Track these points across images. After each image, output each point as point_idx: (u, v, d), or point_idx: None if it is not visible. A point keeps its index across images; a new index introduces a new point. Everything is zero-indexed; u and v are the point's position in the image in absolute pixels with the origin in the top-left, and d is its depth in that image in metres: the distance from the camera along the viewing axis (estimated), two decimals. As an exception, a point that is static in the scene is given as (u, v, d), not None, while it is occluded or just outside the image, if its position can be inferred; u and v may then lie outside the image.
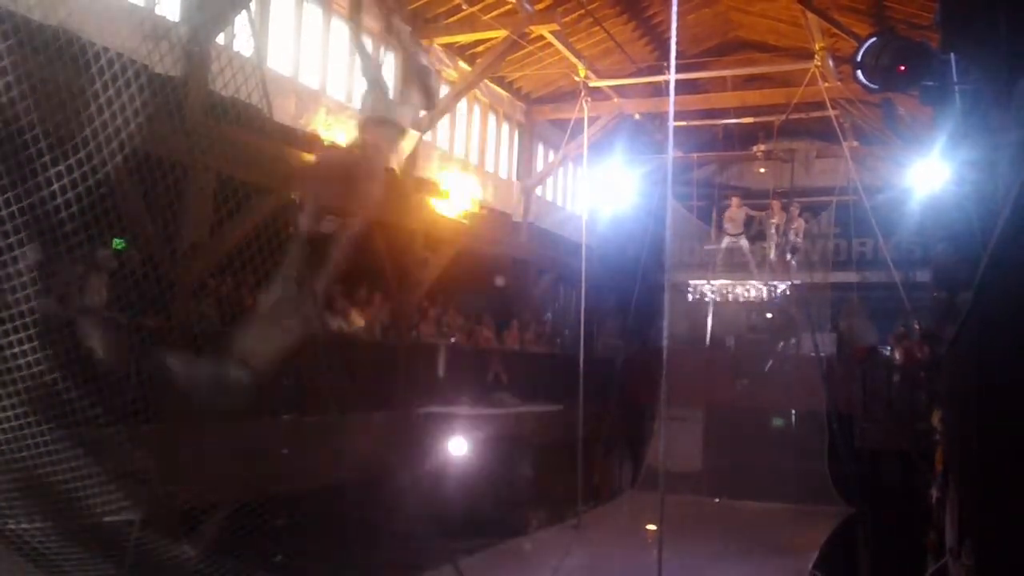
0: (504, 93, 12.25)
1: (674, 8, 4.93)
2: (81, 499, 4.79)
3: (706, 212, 14.00)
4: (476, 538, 8.15)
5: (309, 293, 6.08)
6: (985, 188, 3.68)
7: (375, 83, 3.80)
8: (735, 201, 13.39)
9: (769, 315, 14.39)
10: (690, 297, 14.31)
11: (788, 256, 13.19)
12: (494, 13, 9.78)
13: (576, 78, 10.73)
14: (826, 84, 10.04)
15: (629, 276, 11.92)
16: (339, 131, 8.65)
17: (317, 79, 8.67)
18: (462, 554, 7.30)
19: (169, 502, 5.61)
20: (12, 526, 4.71)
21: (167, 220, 5.80)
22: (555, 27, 9.71)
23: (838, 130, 10.69)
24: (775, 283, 13.72)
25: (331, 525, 5.93)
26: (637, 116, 12.76)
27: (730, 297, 14.26)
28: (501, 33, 9.68)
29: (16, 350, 4.45)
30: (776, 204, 13.20)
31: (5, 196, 4.22)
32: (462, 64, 10.83)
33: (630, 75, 11.95)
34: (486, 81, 11.27)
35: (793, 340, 13.58)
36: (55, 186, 4.24)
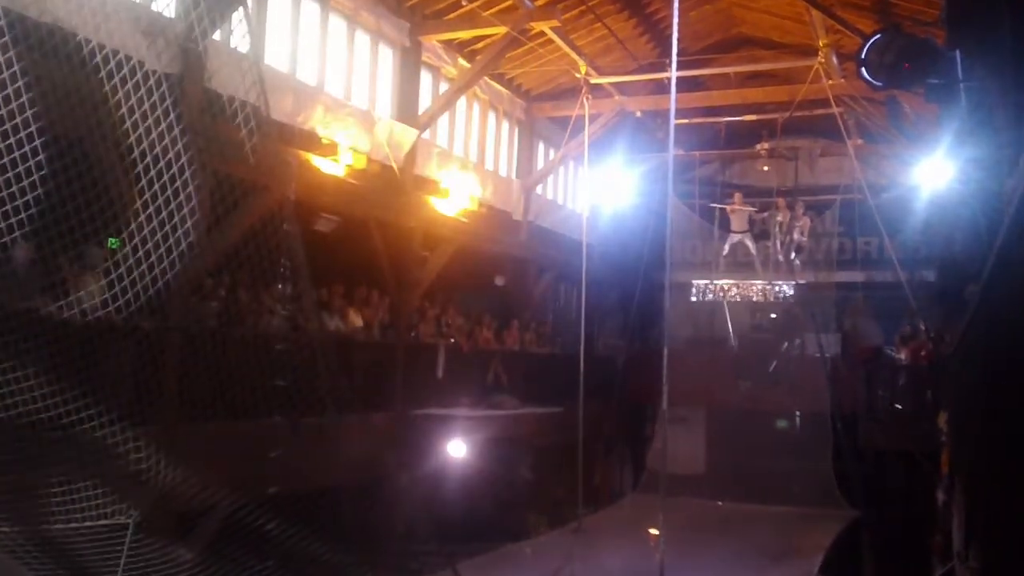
0: (504, 90, 12.18)
1: (675, 4, 4.86)
2: (77, 501, 4.75)
3: (708, 211, 13.92)
4: (475, 542, 8.09)
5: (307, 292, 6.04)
6: (991, 186, 3.61)
7: None
8: (737, 198, 13.30)
9: (773, 315, 14.31)
10: (693, 296, 14.24)
11: (792, 255, 13.10)
12: (494, 9, 9.71)
13: (577, 75, 10.65)
14: (830, 81, 9.95)
15: (630, 275, 11.86)
16: (337, 128, 8.58)
17: (315, 76, 8.62)
18: (461, 558, 7.24)
19: (165, 504, 5.57)
20: (7, 529, 4.67)
21: (163, 219, 5.74)
22: (556, 23, 9.64)
23: (842, 128, 10.59)
24: (779, 282, 13.63)
25: (328, 528, 5.88)
26: (638, 113, 12.68)
27: (733, 296, 14.17)
28: (501, 29, 9.61)
29: (11, 350, 4.42)
30: (780, 203, 13.12)
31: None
32: (461, 61, 10.76)
33: (631, 72, 11.87)
34: (486, 78, 11.20)
35: (797, 340, 13.49)
36: (51, 185, 4.21)
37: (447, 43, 10.52)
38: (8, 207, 4.11)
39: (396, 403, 8.97)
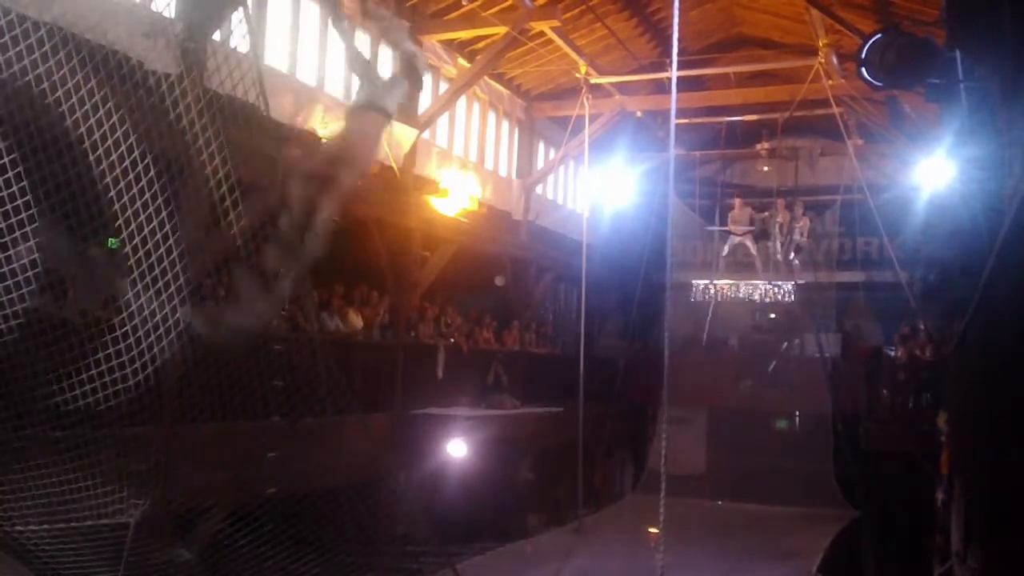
0: (504, 90, 12.18)
1: (676, 4, 4.85)
2: (76, 501, 4.75)
3: (709, 210, 13.91)
4: (475, 542, 8.09)
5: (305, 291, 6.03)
6: (991, 186, 3.60)
7: (364, 75, 3.62)
8: (737, 202, 13.29)
9: (773, 315, 14.30)
10: (693, 297, 14.23)
11: (792, 255, 13.09)
12: (494, 9, 9.71)
13: (577, 75, 10.66)
14: (830, 81, 9.95)
15: (631, 275, 11.84)
16: (336, 128, 8.58)
17: (314, 76, 8.61)
18: (461, 558, 7.24)
19: (164, 505, 5.57)
20: (7, 528, 4.67)
21: (163, 219, 5.74)
22: (556, 23, 9.64)
23: (842, 128, 10.59)
24: (779, 283, 13.62)
25: (328, 528, 5.88)
26: (639, 113, 12.67)
27: (733, 297, 14.16)
28: (501, 29, 9.61)
29: (11, 349, 4.42)
30: (780, 203, 13.11)
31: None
32: (461, 61, 10.76)
33: (632, 72, 11.86)
34: (486, 78, 11.20)
35: (797, 340, 13.50)
36: (50, 184, 4.21)
37: (447, 43, 10.52)
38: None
39: (396, 403, 8.97)
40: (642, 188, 12.88)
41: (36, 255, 4.31)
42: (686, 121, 12.21)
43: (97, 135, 3.97)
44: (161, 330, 4.12)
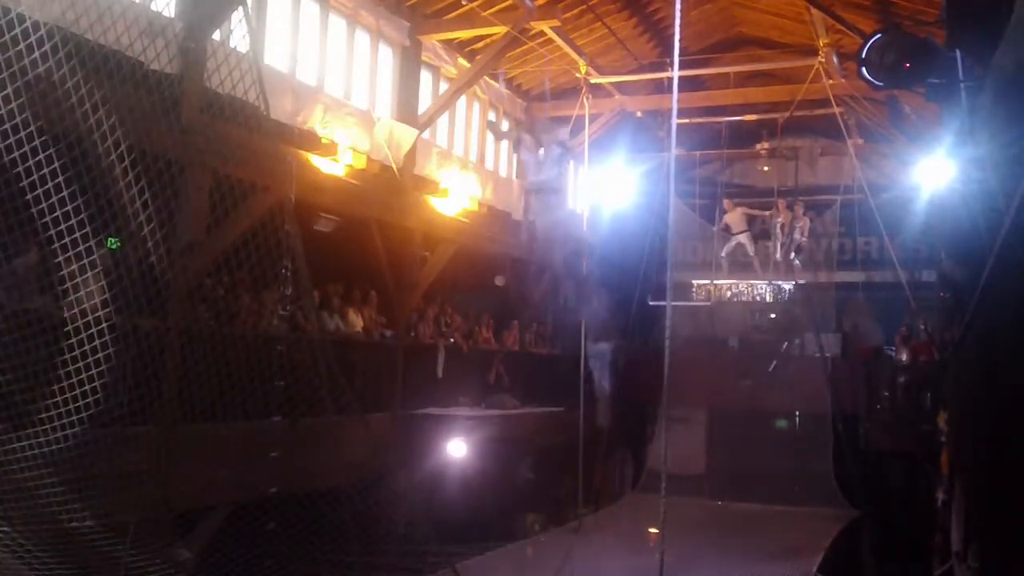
0: (504, 90, 12.18)
1: (676, 4, 4.85)
2: (76, 502, 4.75)
3: (709, 210, 13.91)
4: (475, 541, 8.08)
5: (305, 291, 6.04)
6: (991, 186, 3.60)
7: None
8: (727, 203, 13.25)
9: (773, 315, 14.30)
10: (693, 296, 14.23)
11: (792, 255, 13.09)
12: (494, 9, 9.71)
13: (577, 75, 10.65)
14: (830, 81, 9.95)
15: (631, 275, 11.84)
16: (336, 128, 8.58)
17: (314, 76, 8.61)
18: (461, 557, 7.24)
19: (165, 504, 5.57)
20: (7, 529, 4.67)
21: (163, 219, 5.74)
22: (556, 23, 9.63)
23: (843, 128, 10.60)
24: (779, 283, 13.62)
25: (329, 528, 5.88)
26: (639, 113, 12.67)
27: (733, 297, 14.16)
28: (501, 29, 9.60)
29: (10, 351, 4.42)
30: (780, 203, 13.10)
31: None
32: (461, 61, 10.76)
33: (632, 72, 11.86)
34: (486, 78, 11.19)
35: (797, 340, 13.49)
36: (50, 184, 4.21)
37: (447, 43, 10.51)
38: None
39: (396, 403, 8.97)
40: (642, 188, 12.87)
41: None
42: (686, 121, 12.21)
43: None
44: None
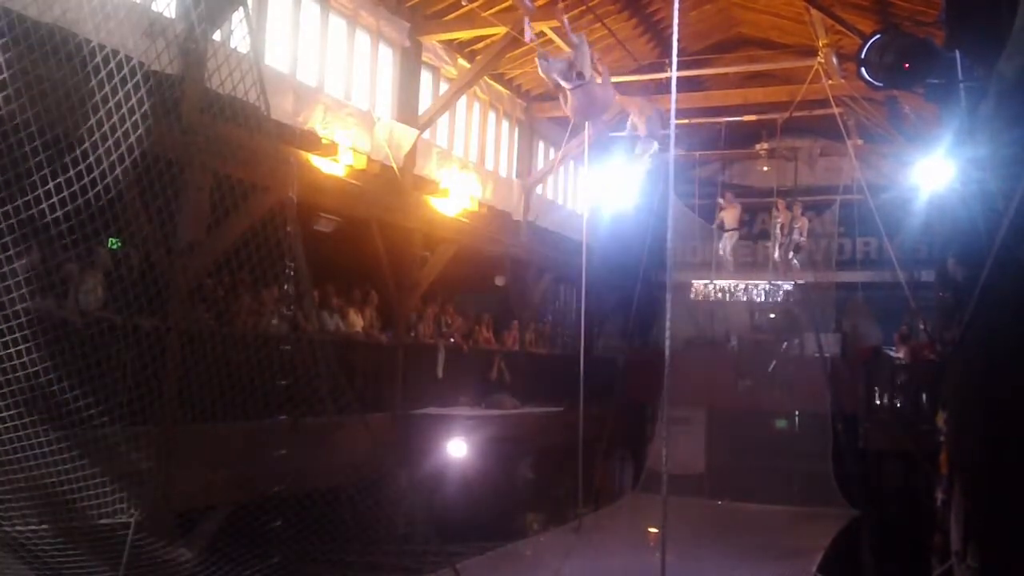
0: (504, 90, 12.19)
1: (676, 4, 4.85)
2: (78, 501, 4.76)
3: (708, 210, 13.91)
4: (475, 541, 8.09)
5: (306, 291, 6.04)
6: (991, 186, 3.61)
7: None
8: (727, 197, 13.23)
9: (772, 315, 14.31)
10: (693, 297, 14.23)
11: (791, 255, 13.10)
12: (494, 9, 9.71)
13: (577, 75, 10.62)
14: (830, 81, 9.95)
15: (631, 275, 11.84)
16: (337, 128, 8.58)
17: (315, 76, 8.62)
18: (461, 557, 7.24)
19: (166, 504, 5.58)
20: (8, 528, 4.68)
21: (164, 219, 5.75)
22: (556, 23, 9.63)
23: (842, 128, 10.60)
24: (779, 283, 13.62)
25: (329, 528, 5.89)
26: (639, 114, 12.66)
27: (733, 297, 14.16)
28: (501, 30, 9.61)
29: (11, 350, 4.42)
30: (780, 203, 13.11)
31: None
32: (461, 61, 10.76)
33: (631, 72, 11.86)
34: (486, 78, 11.20)
35: (797, 340, 13.50)
36: (50, 185, 4.22)
37: (447, 43, 10.52)
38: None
39: (396, 403, 8.98)
40: (642, 188, 12.86)
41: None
42: (686, 121, 12.21)
43: None
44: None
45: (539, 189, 13.27)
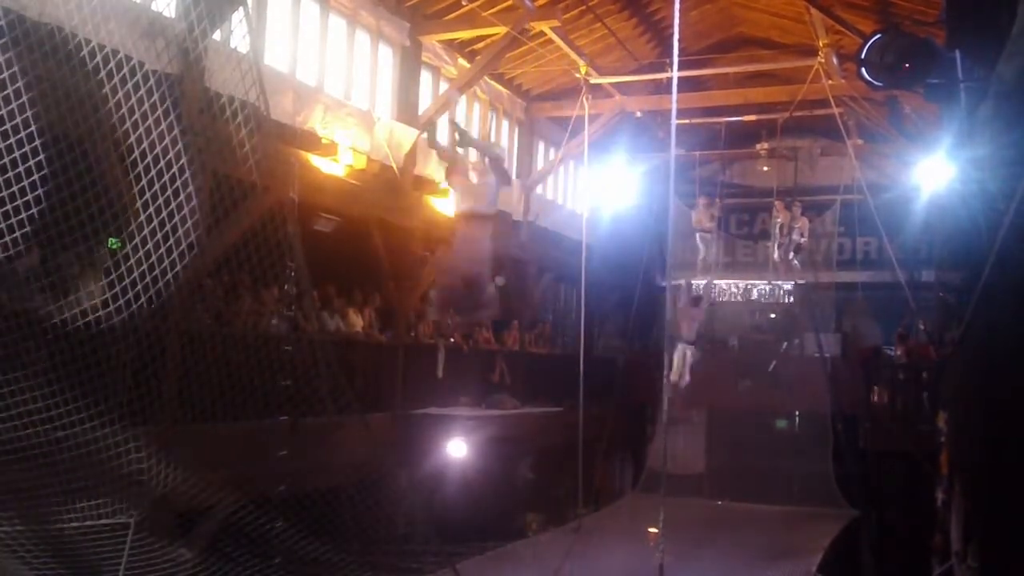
0: (504, 90, 12.19)
1: (676, 4, 4.86)
2: (78, 501, 4.76)
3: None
4: (475, 541, 8.09)
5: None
6: (991, 186, 3.61)
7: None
8: (702, 199, 13.02)
9: (772, 315, 14.31)
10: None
11: (792, 256, 13.09)
12: (494, 9, 9.71)
13: (577, 75, 10.64)
14: (830, 81, 9.95)
15: (631, 275, 11.85)
16: (337, 128, 8.58)
17: (315, 76, 8.62)
18: (461, 557, 7.24)
19: (166, 504, 5.57)
20: (8, 528, 4.68)
21: (163, 219, 5.75)
22: (556, 23, 9.64)
23: (842, 128, 10.59)
24: (779, 283, 13.62)
25: (329, 528, 5.89)
26: (639, 114, 12.67)
27: (733, 297, 14.16)
28: (501, 29, 9.61)
29: (11, 350, 4.42)
30: (778, 203, 13.11)
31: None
32: (461, 61, 10.77)
33: (632, 72, 11.87)
34: (486, 78, 11.20)
35: (797, 340, 13.50)
36: (50, 185, 4.22)
37: (447, 43, 10.52)
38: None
39: (396, 403, 8.98)
40: (642, 188, 12.87)
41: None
42: (686, 121, 12.20)
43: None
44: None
45: (539, 189, 13.27)
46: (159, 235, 4.51)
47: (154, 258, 4.46)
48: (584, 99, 10.16)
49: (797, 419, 12.38)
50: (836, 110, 10.16)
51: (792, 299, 13.74)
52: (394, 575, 7.00)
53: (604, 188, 12.44)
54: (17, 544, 4.73)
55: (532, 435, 10.62)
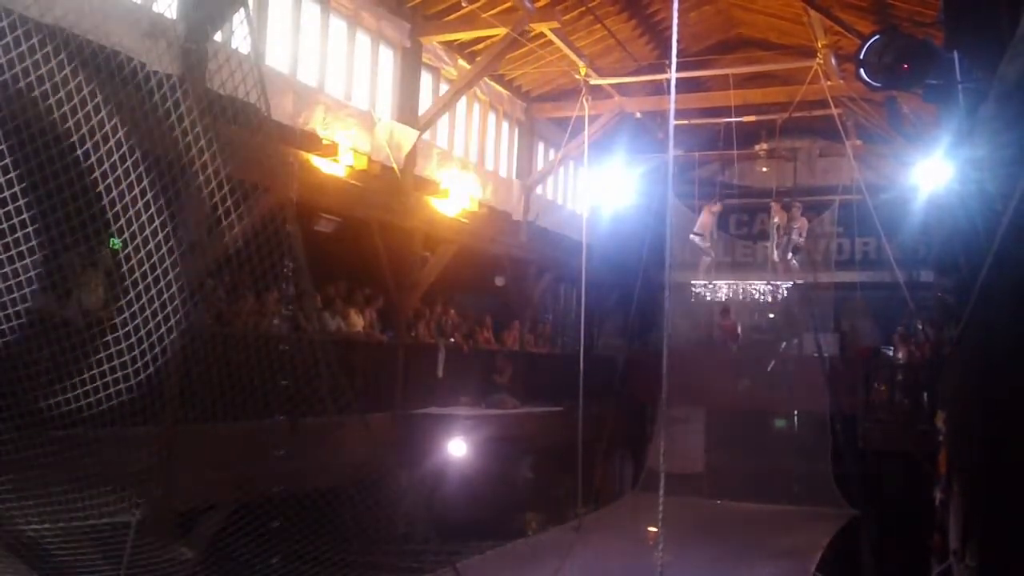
0: (504, 91, 12.20)
1: (675, 5, 4.87)
2: (79, 500, 4.77)
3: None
4: (475, 541, 8.10)
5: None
6: (990, 187, 3.62)
7: None
8: (706, 208, 13.01)
9: (771, 315, 14.33)
10: (692, 296, 14.25)
11: (790, 256, 13.12)
12: (494, 11, 9.73)
13: (576, 76, 10.67)
14: (829, 82, 9.97)
15: (630, 275, 11.87)
16: (337, 129, 8.59)
17: (315, 77, 8.63)
18: (461, 557, 7.26)
19: (167, 504, 5.59)
20: (9, 528, 4.69)
21: (165, 220, 5.76)
22: (555, 24, 9.66)
23: (841, 129, 10.61)
24: (778, 283, 13.65)
25: (329, 527, 5.90)
26: (638, 114, 12.69)
27: (732, 297, 14.18)
28: (501, 31, 9.63)
29: (14, 349, 4.44)
30: (776, 204, 13.14)
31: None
32: (461, 62, 10.78)
33: (631, 73, 11.89)
34: (486, 79, 11.22)
35: (796, 340, 13.52)
36: (52, 185, 4.23)
37: (447, 44, 10.54)
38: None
39: (396, 403, 8.99)
40: (641, 189, 12.89)
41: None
42: (685, 122, 12.23)
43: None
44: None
45: (539, 189, 13.29)
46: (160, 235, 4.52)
47: (155, 258, 4.47)
48: (584, 100, 10.19)
49: (796, 419, 12.41)
50: (835, 111, 10.19)
51: (791, 299, 13.76)
52: (394, 575, 7.01)
53: (604, 188, 12.47)
54: (20, 544, 4.74)
55: (532, 435, 10.63)
